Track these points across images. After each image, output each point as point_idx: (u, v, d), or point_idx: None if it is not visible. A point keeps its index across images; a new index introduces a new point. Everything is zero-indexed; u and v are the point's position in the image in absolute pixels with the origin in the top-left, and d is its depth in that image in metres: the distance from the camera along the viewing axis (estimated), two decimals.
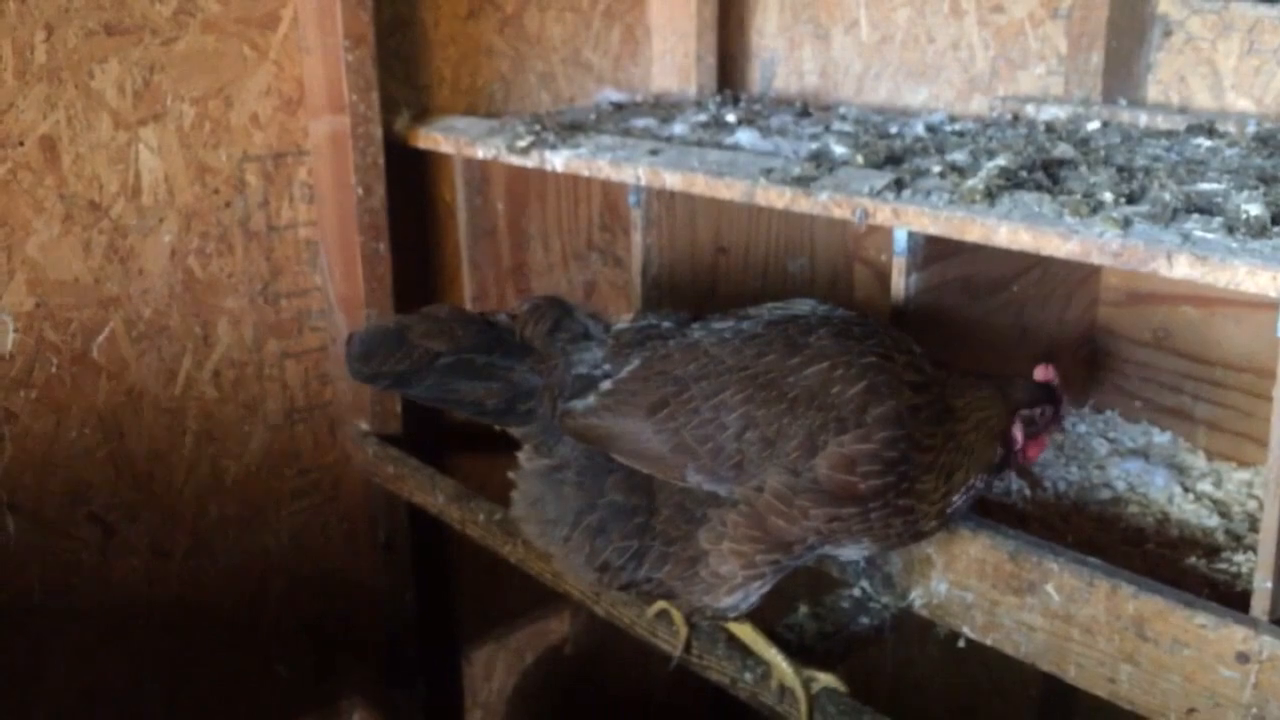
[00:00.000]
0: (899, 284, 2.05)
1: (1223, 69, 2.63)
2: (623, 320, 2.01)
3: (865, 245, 3.09)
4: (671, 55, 3.49)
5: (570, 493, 1.90)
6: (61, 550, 2.65)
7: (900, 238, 2.02)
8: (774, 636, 1.97)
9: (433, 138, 2.89)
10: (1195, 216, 1.67)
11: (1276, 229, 1.59)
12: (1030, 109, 2.70)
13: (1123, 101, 2.65)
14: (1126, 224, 1.66)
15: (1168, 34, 2.70)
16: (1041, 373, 1.86)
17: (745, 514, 1.77)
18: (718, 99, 3.20)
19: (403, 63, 3.03)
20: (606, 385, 1.86)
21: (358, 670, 3.24)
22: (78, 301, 2.57)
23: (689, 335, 1.90)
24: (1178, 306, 2.47)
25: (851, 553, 1.87)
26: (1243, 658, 1.60)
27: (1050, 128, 2.49)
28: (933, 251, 2.06)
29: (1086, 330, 2.61)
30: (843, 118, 2.84)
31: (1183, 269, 1.56)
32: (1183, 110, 2.64)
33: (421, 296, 3.18)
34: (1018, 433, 1.81)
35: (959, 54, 3.13)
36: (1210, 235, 1.59)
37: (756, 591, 1.87)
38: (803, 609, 2.13)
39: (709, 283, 2.76)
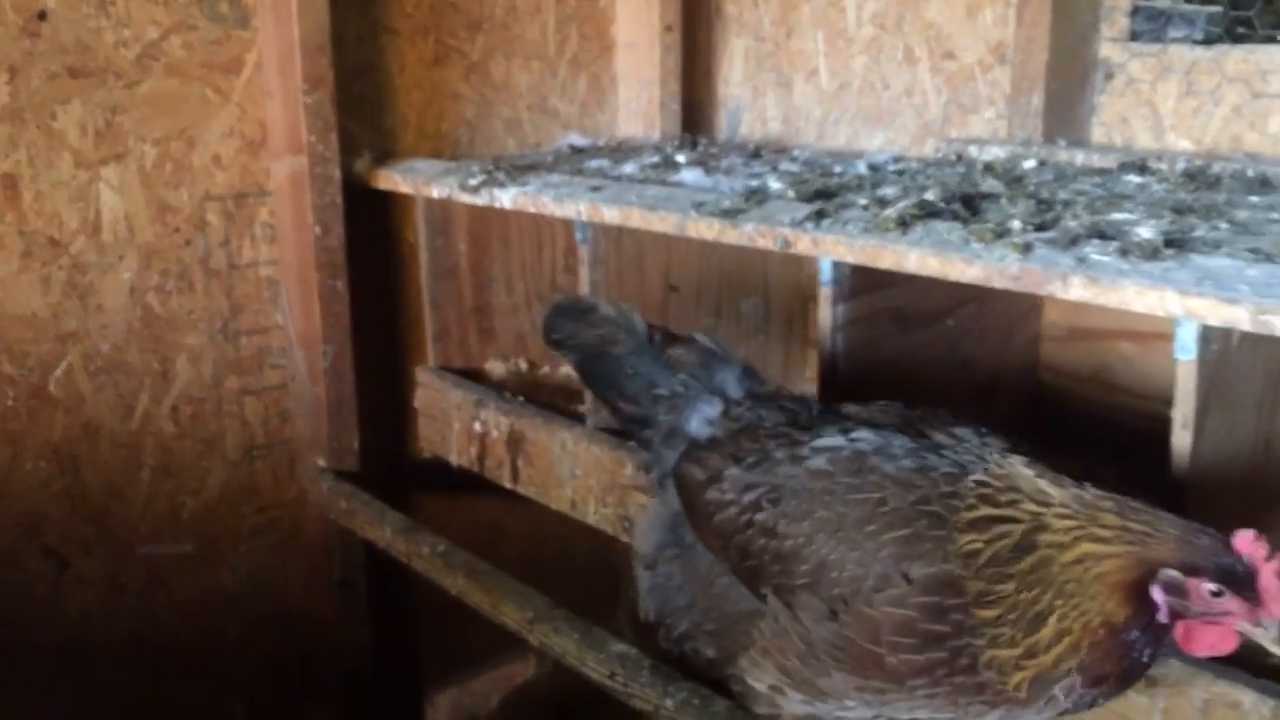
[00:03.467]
0: (826, 314, 2.08)
1: (1163, 110, 2.67)
2: (762, 388, 1.95)
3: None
4: (636, 102, 3.56)
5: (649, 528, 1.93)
6: (14, 583, 2.67)
7: (826, 268, 2.05)
8: None
9: (392, 179, 2.95)
10: (1095, 242, 1.70)
11: (1169, 251, 1.62)
12: (973, 150, 2.75)
13: (1062, 142, 2.70)
14: (1027, 249, 1.69)
15: (1110, 77, 2.75)
16: (1243, 542, 1.36)
17: (773, 629, 1.59)
18: (675, 143, 3.26)
19: (367, 106, 3.10)
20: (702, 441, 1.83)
21: (316, 711, 3.23)
22: (35, 336, 2.62)
23: (785, 419, 1.78)
24: (1117, 342, 2.49)
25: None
26: None
27: (989, 167, 2.54)
28: (860, 282, 2.09)
29: (1030, 367, 2.63)
30: (794, 159, 2.89)
31: (1077, 291, 1.59)
32: (1125, 151, 2.68)
33: (384, 336, 3.23)
34: (1158, 596, 1.38)
35: (913, 100, 3.19)
36: (1105, 258, 1.62)
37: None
38: None
39: (660, 322, 2.78)
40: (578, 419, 2.71)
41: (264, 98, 2.86)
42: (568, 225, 3.23)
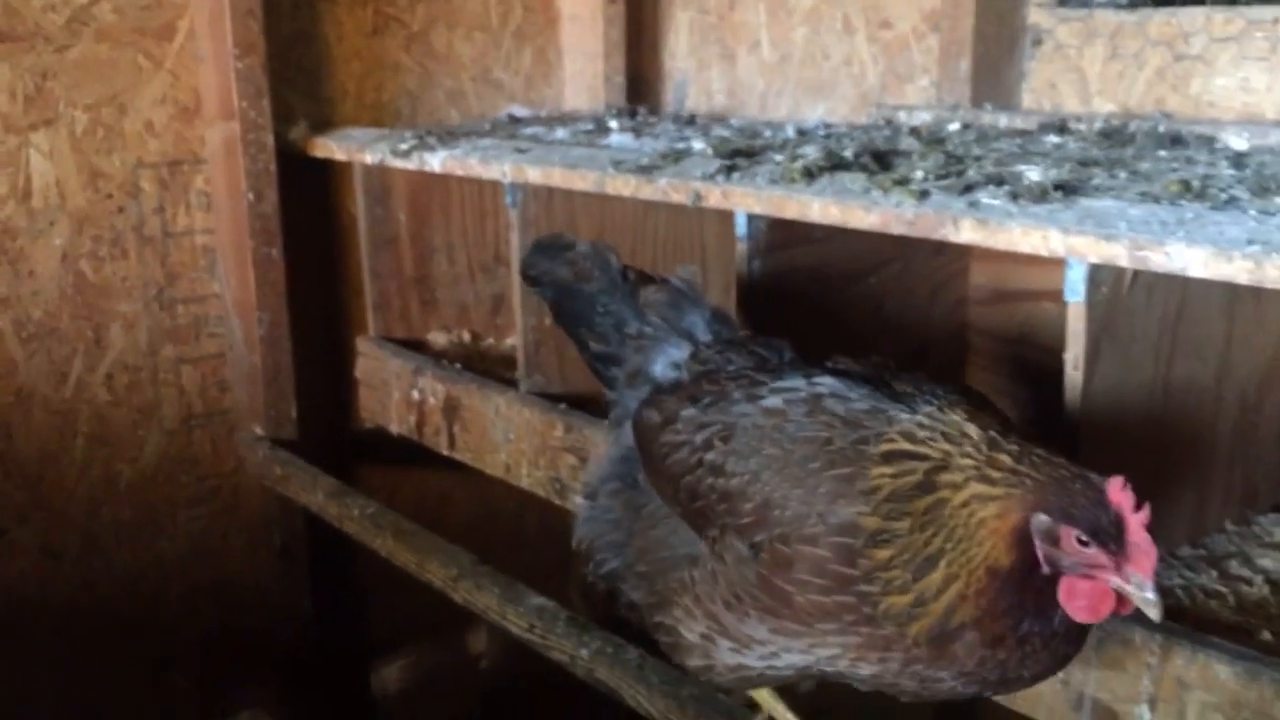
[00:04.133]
0: (742, 269, 2.09)
1: (1089, 74, 2.70)
2: (733, 333, 1.91)
3: None
4: (582, 75, 3.57)
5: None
6: None
7: (741, 222, 2.07)
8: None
9: (327, 146, 2.95)
10: (990, 188, 1.72)
11: (1056, 194, 1.64)
12: (902, 115, 2.77)
13: (989, 106, 2.72)
14: (923, 195, 1.71)
15: (1038, 43, 2.77)
16: (1112, 490, 1.30)
17: (703, 574, 1.57)
18: (614, 112, 3.27)
19: (305, 75, 3.10)
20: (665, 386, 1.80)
21: (258, 680, 3.24)
22: None
23: (753, 364, 1.74)
24: (1039, 303, 2.50)
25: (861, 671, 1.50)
26: None
27: (914, 130, 2.56)
28: (777, 238, 2.11)
29: (957, 328, 2.64)
30: (727, 126, 2.91)
31: (967, 234, 1.61)
32: (1052, 115, 2.70)
33: (326, 306, 3.23)
34: (1039, 544, 1.32)
35: (851, 70, 3.20)
36: (996, 202, 1.64)
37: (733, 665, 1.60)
38: None
39: None
40: (512, 385, 2.72)
41: (197, 64, 2.86)
42: None
